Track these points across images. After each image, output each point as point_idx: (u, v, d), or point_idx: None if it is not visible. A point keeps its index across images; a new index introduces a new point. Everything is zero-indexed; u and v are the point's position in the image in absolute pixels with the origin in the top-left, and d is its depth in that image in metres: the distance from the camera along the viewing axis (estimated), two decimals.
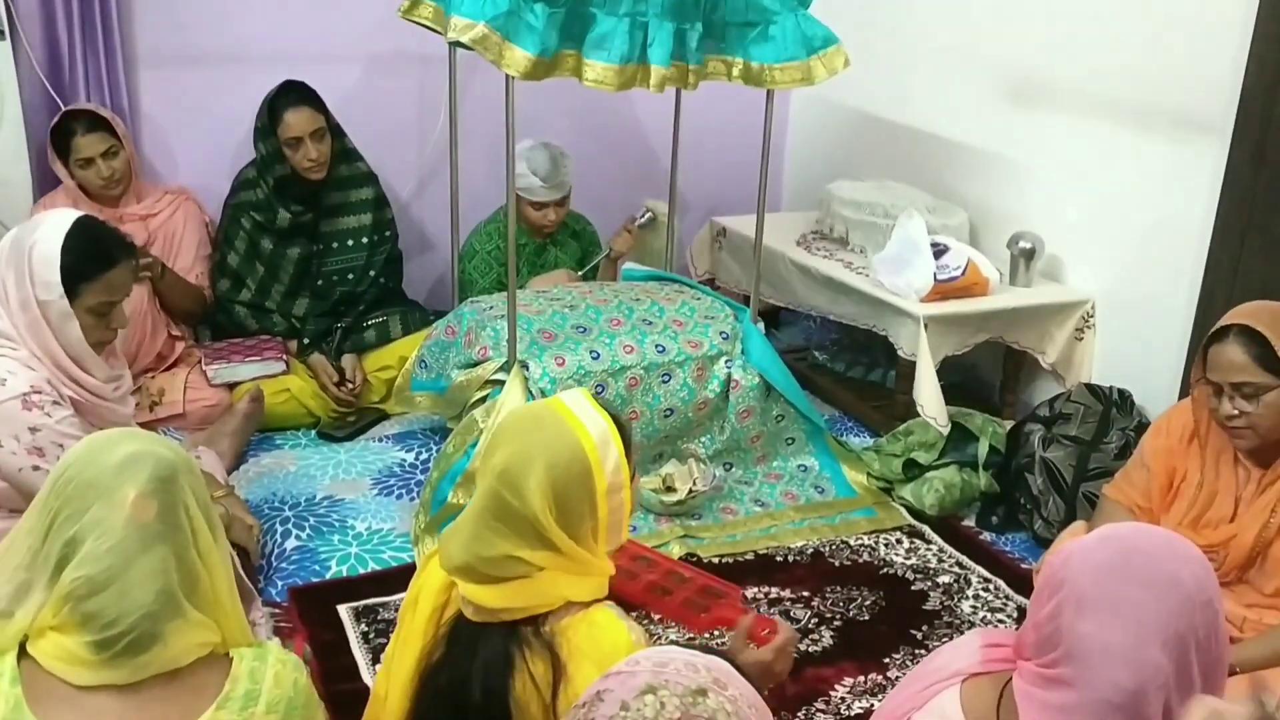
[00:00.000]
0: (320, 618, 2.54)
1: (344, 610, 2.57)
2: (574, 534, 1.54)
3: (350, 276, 3.57)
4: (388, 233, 3.68)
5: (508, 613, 1.55)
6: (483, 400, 2.91)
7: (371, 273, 3.63)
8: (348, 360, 3.50)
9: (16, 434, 2.15)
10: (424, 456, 3.29)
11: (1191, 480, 2.35)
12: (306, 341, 3.51)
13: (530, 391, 2.87)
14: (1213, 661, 1.21)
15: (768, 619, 1.80)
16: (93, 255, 2.23)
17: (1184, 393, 3.00)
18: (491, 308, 3.14)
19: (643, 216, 3.87)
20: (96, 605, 1.31)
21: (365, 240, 3.60)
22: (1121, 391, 3.16)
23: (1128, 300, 3.31)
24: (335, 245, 3.55)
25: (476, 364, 3.00)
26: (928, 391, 3.18)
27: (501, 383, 2.90)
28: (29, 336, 2.20)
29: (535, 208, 3.61)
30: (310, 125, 3.38)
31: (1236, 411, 2.19)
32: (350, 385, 3.45)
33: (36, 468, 2.15)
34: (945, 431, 3.19)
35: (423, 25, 3.11)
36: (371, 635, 2.49)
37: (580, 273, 3.75)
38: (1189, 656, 1.18)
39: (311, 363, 3.47)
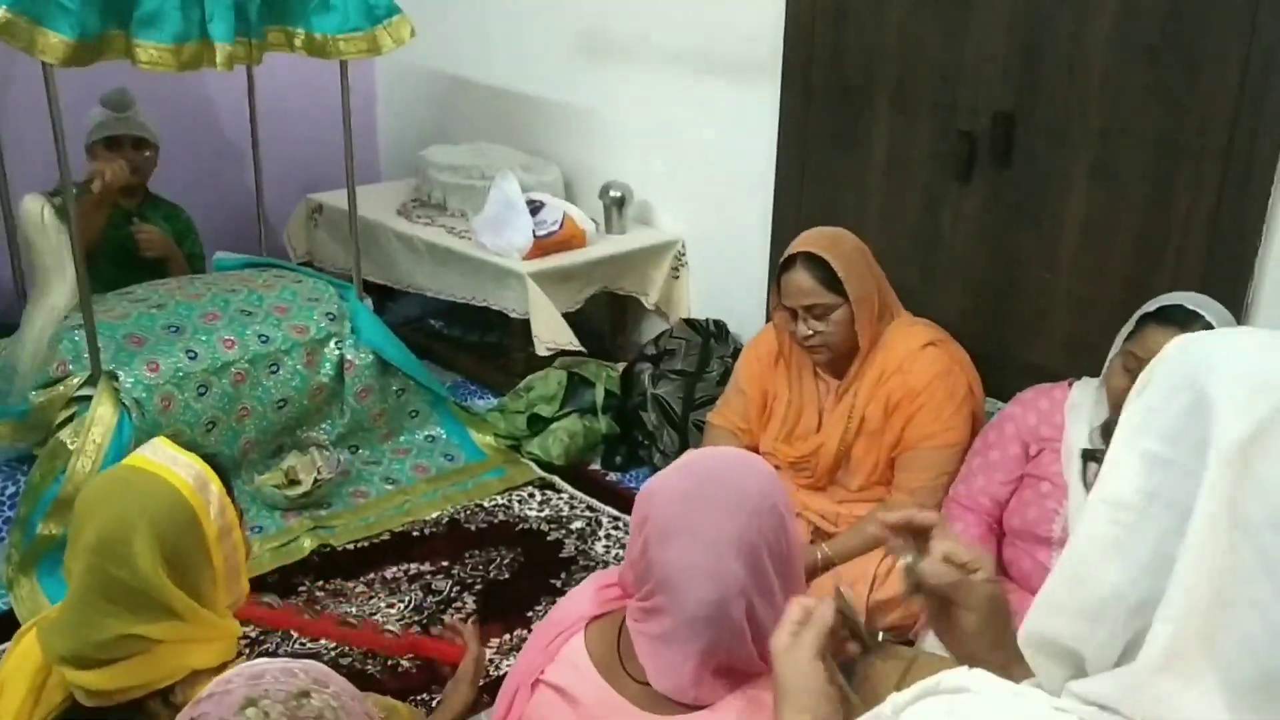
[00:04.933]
0: None
1: None
2: (194, 592, 1.43)
3: None
4: None
5: (125, 693, 1.41)
6: (69, 420, 2.67)
7: None
8: None
9: None
10: (9, 491, 2.96)
11: (781, 398, 2.56)
12: None
13: (124, 404, 2.67)
14: (785, 560, 1.32)
15: (447, 643, 1.87)
16: None
17: (769, 317, 3.25)
18: (66, 318, 2.87)
19: None
20: None
21: None
22: (717, 322, 3.37)
23: (713, 237, 3.53)
24: None
25: (56, 382, 2.73)
26: (553, 328, 3.24)
27: (88, 399, 2.67)
28: None
29: (108, 146, 3.25)
30: None
31: (811, 331, 2.40)
32: None
33: None
34: (583, 351, 3.30)
35: None
36: None
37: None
38: (763, 561, 1.29)
39: None
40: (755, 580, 1.28)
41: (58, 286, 2.74)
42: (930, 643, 2.26)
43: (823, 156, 3.10)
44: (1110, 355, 2.11)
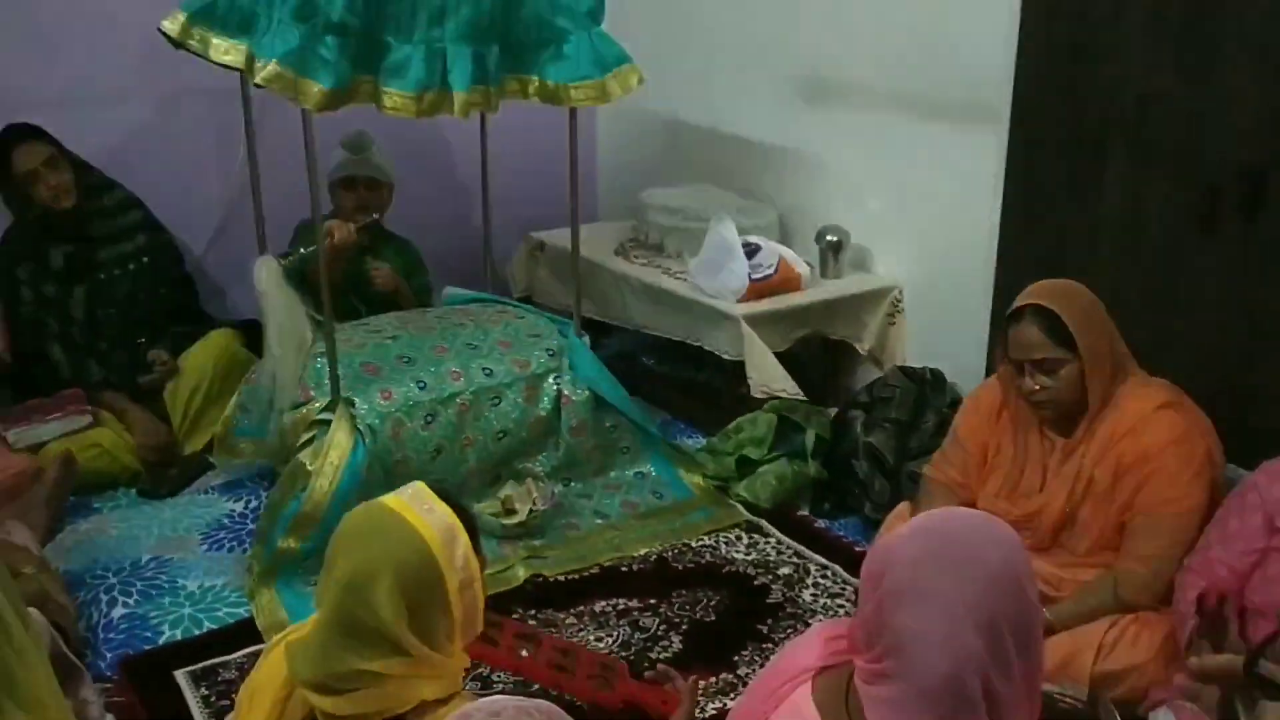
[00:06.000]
0: (157, 687, 2.44)
1: (181, 675, 2.47)
2: (428, 639, 1.50)
3: (140, 298, 3.48)
4: (172, 254, 3.62)
5: (362, 718, 1.51)
6: (309, 442, 2.84)
7: (161, 290, 3.55)
8: (154, 353, 3.40)
9: None
10: (254, 505, 3.19)
11: (1003, 454, 2.49)
12: (114, 379, 3.39)
13: (359, 429, 2.82)
14: (1026, 637, 1.28)
15: (659, 689, 1.94)
16: None
17: (990, 369, 3.16)
18: (312, 343, 3.06)
19: None
20: None
21: (146, 261, 3.52)
22: (934, 371, 3.30)
23: (932, 283, 3.47)
24: (118, 273, 3.46)
25: (300, 406, 2.92)
26: (771, 373, 3.25)
27: (327, 423, 2.83)
28: None
29: (345, 186, 3.54)
30: (41, 154, 3.29)
31: (1038, 386, 2.33)
32: (161, 365, 3.37)
33: None
34: (804, 399, 3.29)
35: (192, 51, 3.00)
36: (213, 698, 2.40)
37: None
38: (1002, 636, 1.25)
39: (129, 415, 3.33)
40: (993, 655, 1.24)
41: (284, 343, 2.89)
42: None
43: (1051, 205, 3.01)
44: None
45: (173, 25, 2.69)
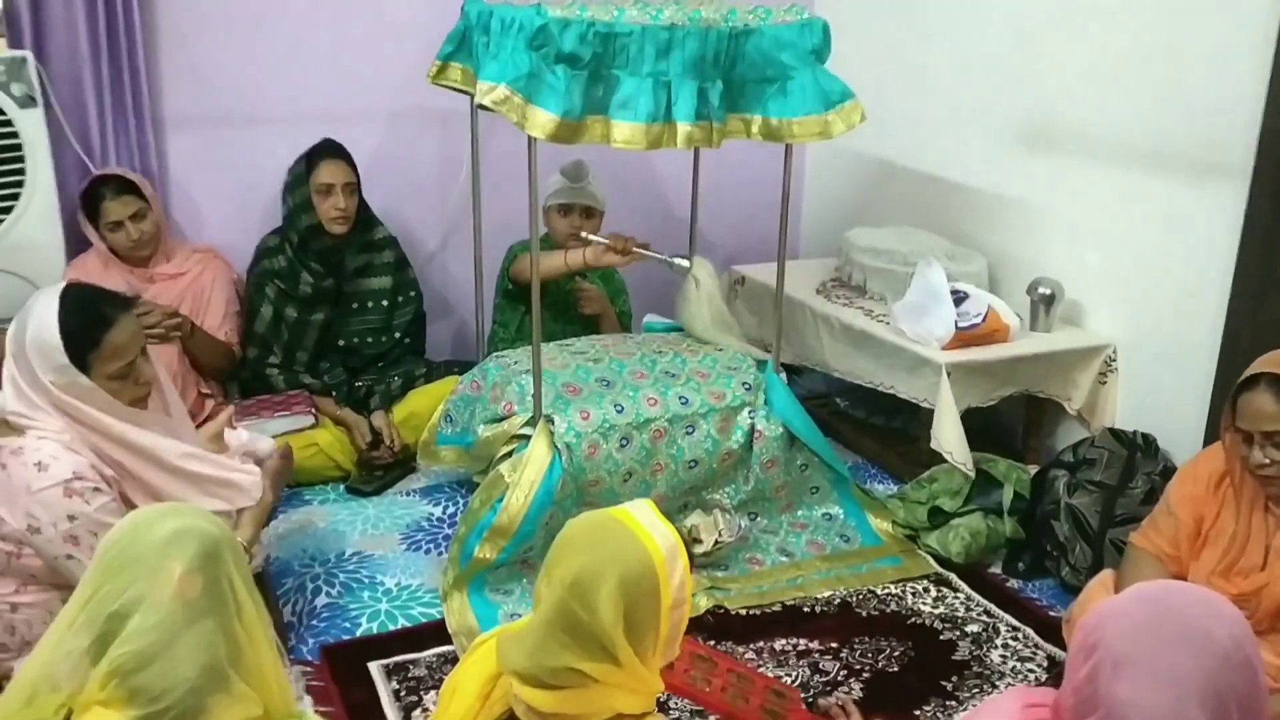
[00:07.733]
0: (351, 675, 2.55)
1: (375, 668, 2.58)
2: (638, 648, 1.54)
3: (369, 339, 3.64)
4: (411, 293, 3.75)
5: (559, 718, 1.55)
6: (508, 455, 2.93)
7: (396, 334, 3.70)
8: (379, 419, 3.51)
9: (55, 521, 2.15)
10: (451, 511, 3.31)
11: (1221, 528, 2.35)
12: (334, 395, 3.56)
13: (557, 447, 2.89)
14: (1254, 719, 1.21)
15: None
16: (89, 324, 2.20)
17: (1209, 437, 3.00)
18: (516, 362, 3.17)
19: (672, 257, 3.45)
20: (143, 680, 1.33)
21: (385, 303, 3.67)
22: (1145, 436, 3.16)
23: (1150, 344, 3.31)
24: (355, 306, 3.63)
25: (502, 419, 3.02)
26: (950, 435, 3.18)
27: (527, 438, 2.92)
28: (67, 422, 2.20)
29: (561, 213, 3.64)
30: (343, 177, 3.48)
31: (1268, 460, 2.20)
32: (388, 444, 3.47)
33: (70, 556, 2.16)
34: (971, 475, 3.20)
35: (454, 89, 3.15)
36: (403, 693, 2.49)
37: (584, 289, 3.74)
38: (1230, 716, 1.19)
39: (345, 418, 3.50)
40: None
41: None
42: None
43: None
44: None
45: (435, 71, 2.90)
